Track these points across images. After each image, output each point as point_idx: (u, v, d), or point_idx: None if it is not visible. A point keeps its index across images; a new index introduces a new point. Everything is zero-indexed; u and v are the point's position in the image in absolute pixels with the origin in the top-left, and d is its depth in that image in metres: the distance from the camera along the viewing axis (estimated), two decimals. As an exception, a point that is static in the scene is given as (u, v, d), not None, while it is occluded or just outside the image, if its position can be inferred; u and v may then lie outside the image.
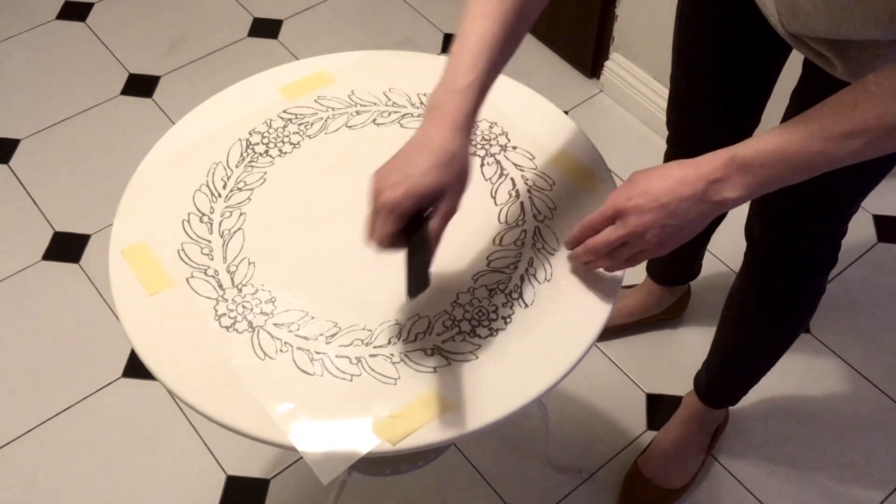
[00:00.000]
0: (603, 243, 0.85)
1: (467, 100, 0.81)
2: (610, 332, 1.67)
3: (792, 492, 1.50)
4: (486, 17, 0.82)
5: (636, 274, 1.68)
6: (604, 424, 1.58)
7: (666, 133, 1.36)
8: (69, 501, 1.48)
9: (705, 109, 1.22)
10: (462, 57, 0.81)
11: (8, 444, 1.54)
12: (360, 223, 0.95)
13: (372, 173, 0.81)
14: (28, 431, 1.55)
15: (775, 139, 0.78)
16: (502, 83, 1.12)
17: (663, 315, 1.68)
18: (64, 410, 1.58)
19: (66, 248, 1.81)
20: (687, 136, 1.30)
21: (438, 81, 0.82)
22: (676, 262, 1.58)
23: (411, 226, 0.80)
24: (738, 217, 1.44)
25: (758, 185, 0.79)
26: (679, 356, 1.66)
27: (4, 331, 1.69)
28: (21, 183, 1.92)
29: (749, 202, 1.15)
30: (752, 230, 1.17)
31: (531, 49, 2.19)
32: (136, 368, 1.63)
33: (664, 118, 1.93)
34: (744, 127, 1.24)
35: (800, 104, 1.00)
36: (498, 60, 0.83)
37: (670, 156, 1.38)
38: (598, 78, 2.10)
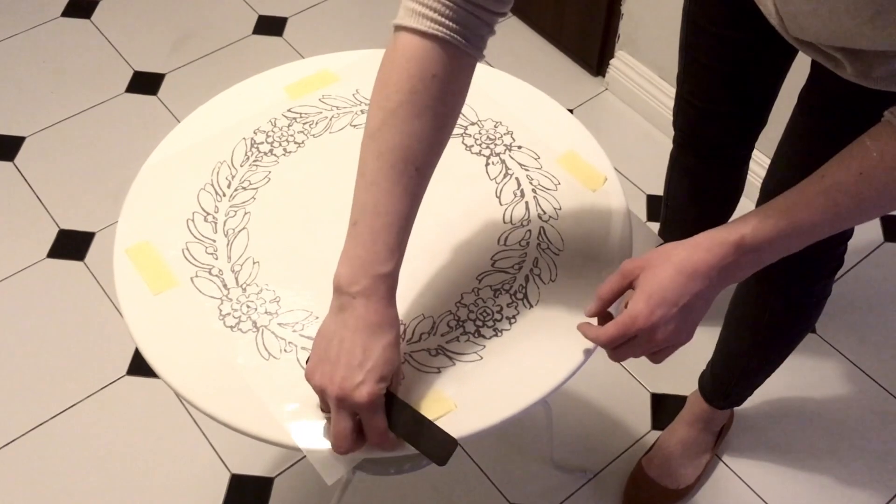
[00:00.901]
0: (627, 357, 0.83)
1: (392, 284, 0.78)
2: (614, 331, 1.66)
3: (797, 492, 1.49)
4: (398, 196, 0.77)
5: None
6: (608, 424, 1.57)
7: (670, 131, 1.35)
8: (73, 499, 1.48)
9: (711, 110, 1.21)
10: (379, 238, 0.77)
11: (12, 441, 1.54)
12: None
13: (315, 376, 0.77)
14: (32, 429, 1.56)
15: (781, 218, 0.77)
16: (508, 82, 1.13)
17: (668, 315, 1.67)
18: (68, 408, 1.58)
19: (71, 245, 1.81)
20: (693, 137, 1.29)
21: (350, 259, 0.78)
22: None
23: None
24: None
25: (767, 260, 0.79)
26: (683, 355, 1.64)
27: (9, 328, 1.69)
28: (26, 180, 1.92)
29: (756, 202, 1.15)
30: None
31: (536, 46, 2.19)
32: (140, 366, 1.63)
33: (670, 117, 1.93)
34: (750, 127, 1.23)
35: (806, 106, 1.00)
36: (408, 237, 0.79)
37: (676, 156, 1.37)
38: (604, 76, 2.10)
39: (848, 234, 1.11)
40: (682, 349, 1.65)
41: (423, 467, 1.21)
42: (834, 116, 0.95)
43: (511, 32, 2.22)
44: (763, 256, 0.78)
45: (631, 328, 0.79)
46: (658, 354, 0.83)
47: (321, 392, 0.77)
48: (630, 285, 0.82)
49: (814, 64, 0.97)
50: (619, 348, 0.82)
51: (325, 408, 0.79)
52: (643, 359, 1.64)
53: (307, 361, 0.79)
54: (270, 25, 2.25)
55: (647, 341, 0.80)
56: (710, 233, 0.79)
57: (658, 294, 0.78)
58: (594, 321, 0.86)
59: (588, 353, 0.88)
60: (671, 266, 0.78)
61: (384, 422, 0.77)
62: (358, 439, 0.78)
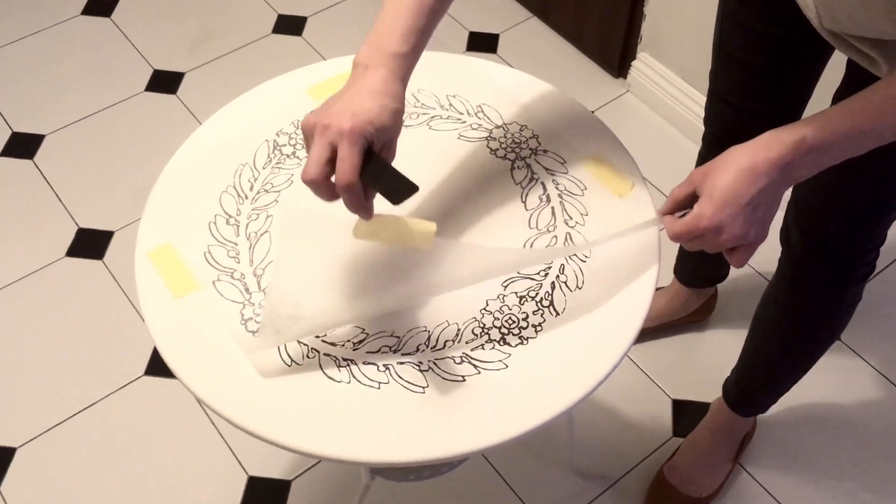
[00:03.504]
0: (709, 250, 0.85)
1: (406, 64, 0.81)
2: (635, 336, 1.65)
3: (821, 502, 1.47)
4: None
5: (662, 276, 1.66)
6: (629, 430, 1.56)
7: (693, 134, 1.34)
8: (90, 498, 1.48)
9: (745, 106, 1.19)
10: (398, 20, 0.80)
11: (29, 441, 1.54)
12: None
13: (311, 117, 0.78)
14: (50, 428, 1.56)
15: (845, 122, 0.78)
16: (533, 85, 1.11)
17: (690, 318, 1.65)
18: (86, 408, 1.58)
19: (90, 244, 1.81)
20: (726, 133, 1.27)
21: (369, 39, 0.81)
22: (704, 264, 1.56)
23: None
24: (769, 222, 1.41)
25: (828, 162, 0.80)
26: (705, 360, 1.64)
27: (27, 327, 1.69)
28: (45, 179, 1.92)
29: (786, 206, 1.13)
30: (788, 235, 1.15)
31: (556, 47, 2.17)
32: (158, 366, 1.62)
33: (692, 119, 1.92)
34: (784, 125, 1.21)
35: None
36: (431, 27, 0.82)
37: (705, 155, 1.35)
38: (625, 78, 2.08)
39: (881, 239, 1.09)
40: (705, 353, 1.63)
41: (441, 474, 1.20)
42: None
43: (531, 33, 2.20)
44: (824, 158, 0.79)
45: (696, 228, 0.81)
46: (735, 255, 0.84)
47: (311, 128, 0.77)
48: (696, 192, 0.83)
49: (849, 64, 0.96)
50: (690, 243, 0.84)
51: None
52: (664, 365, 1.63)
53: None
54: (290, 25, 2.24)
55: (714, 239, 0.81)
56: (771, 132, 0.80)
57: (719, 195, 0.79)
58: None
59: (616, 361, 0.86)
60: (731, 167, 0.80)
61: (357, 160, 0.76)
62: (327, 190, 0.78)
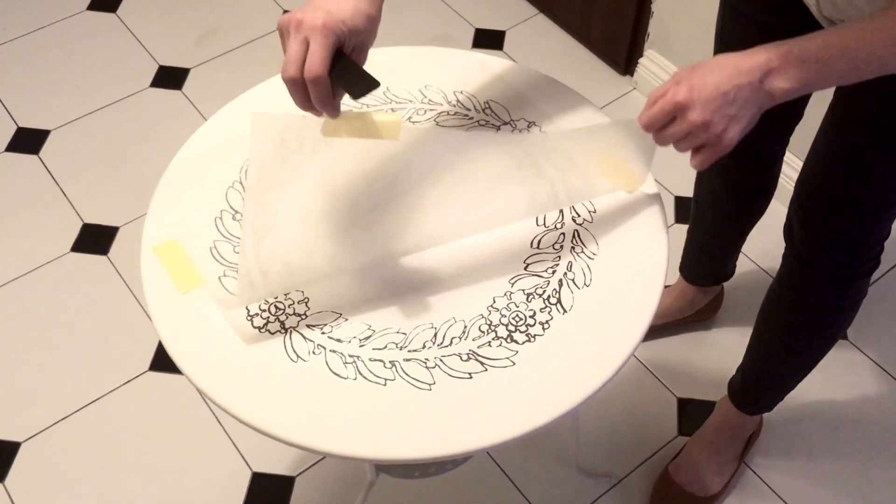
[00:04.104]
0: (668, 140, 0.85)
1: None
2: (641, 334, 1.64)
3: (826, 501, 1.47)
4: None
5: (668, 275, 1.65)
6: (634, 429, 1.55)
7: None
8: (93, 494, 1.47)
9: None
10: None
11: (34, 436, 1.54)
12: (394, 223, 0.94)
13: (284, 17, 0.79)
14: (54, 424, 1.55)
15: (836, 36, 0.78)
16: (541, 81, 1.11)
17: (696, 317, 1.65)
18: (90, 403, 1.58)
19: (95, 240, 1.81)
20: None
21: None
22: (710, 262, 1.55)
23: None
24: (772, 217, 1.41)
25: (812, 79, 0.79)
26: (711, 359, 1.63)
27: (32, 322, 1.69)
28: (51, 174, 1.92)
29: (789, 201, 1.13)
30: (791, 230, 1.14)
31: (563, 44, 2.16)
32: (162, 362, 1.62)
33: (699, 117, 1.91)
34: (786, 120, 1.21)
35: (843, 97, 0.98)
36: None
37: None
38: (632, 75, 2.07)
39: (885, 234, 1.09)
40: (711, 352, 1.62)
41: (446, 471, 1.20)
42: (871, 106, 0.94)
43: (537, 30, 2.20)
44: (810, 73, 0.79)
45: (668, 103, 0.82)
46: (697, 154, 0.84)
47: (286, 25, 0.79)
48: None
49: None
50: (661, 132, 0.84)
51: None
52: (670, 363, 1.62)
53: None
54: (295, 20, 2.24)
55: (682, 119, 0.81)
56: (760, 45, 0.80)
57: (699, 79, 0.80)
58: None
59: (623, 359, 0.86)
60: (716, 62, 0.81)
61: (326, 54, 0.77)
62: (304, 89, 0.79)
